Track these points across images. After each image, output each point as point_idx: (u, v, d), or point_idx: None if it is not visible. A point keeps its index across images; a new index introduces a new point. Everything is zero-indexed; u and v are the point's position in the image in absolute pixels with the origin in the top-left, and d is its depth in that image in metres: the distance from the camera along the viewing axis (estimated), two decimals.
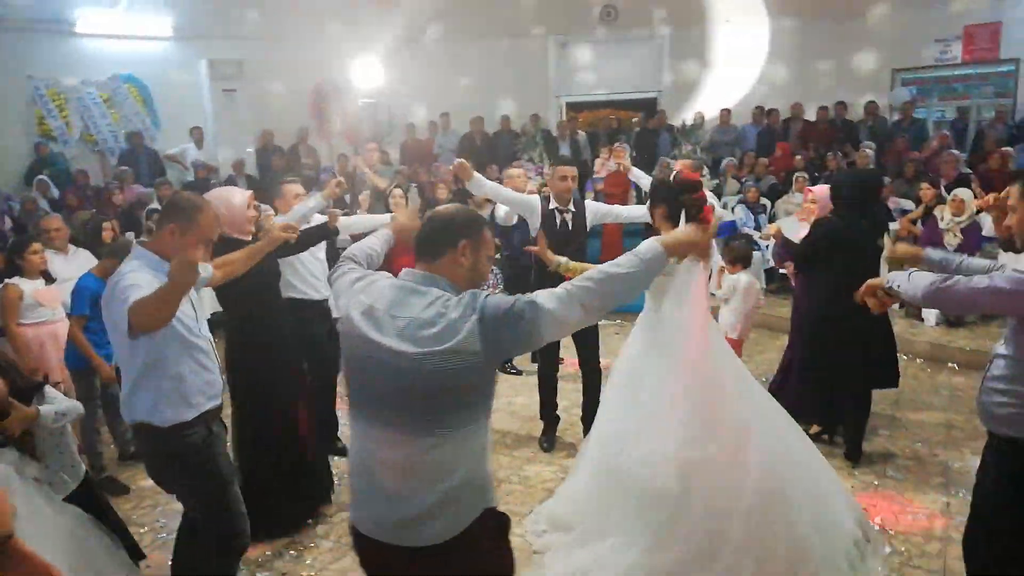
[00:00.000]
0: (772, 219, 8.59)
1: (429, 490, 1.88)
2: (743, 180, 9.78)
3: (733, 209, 9.08)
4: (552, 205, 4.70)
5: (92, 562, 2.90)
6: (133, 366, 2.70)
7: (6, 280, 4.64)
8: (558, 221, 4.65)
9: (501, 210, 5.89)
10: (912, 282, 2.54)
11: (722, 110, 11.32)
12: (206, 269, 3.12)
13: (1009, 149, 8.96)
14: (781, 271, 7.34)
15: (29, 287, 4.56)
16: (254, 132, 11.60)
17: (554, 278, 2.00)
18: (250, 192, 3.83)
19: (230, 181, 10.06)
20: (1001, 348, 2.54)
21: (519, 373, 6.30)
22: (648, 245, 1.96)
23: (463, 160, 4.62)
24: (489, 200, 5.81)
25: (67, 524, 2.89)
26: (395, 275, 2.11)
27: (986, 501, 2.65)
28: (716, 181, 9.81)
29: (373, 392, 1.92)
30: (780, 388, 4.64)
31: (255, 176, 10.68)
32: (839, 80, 11.05)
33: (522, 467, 4.58)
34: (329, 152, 11.67)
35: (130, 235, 7.25)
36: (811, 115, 11.03)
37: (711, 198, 4.27)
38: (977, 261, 2.93)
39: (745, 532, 3.07)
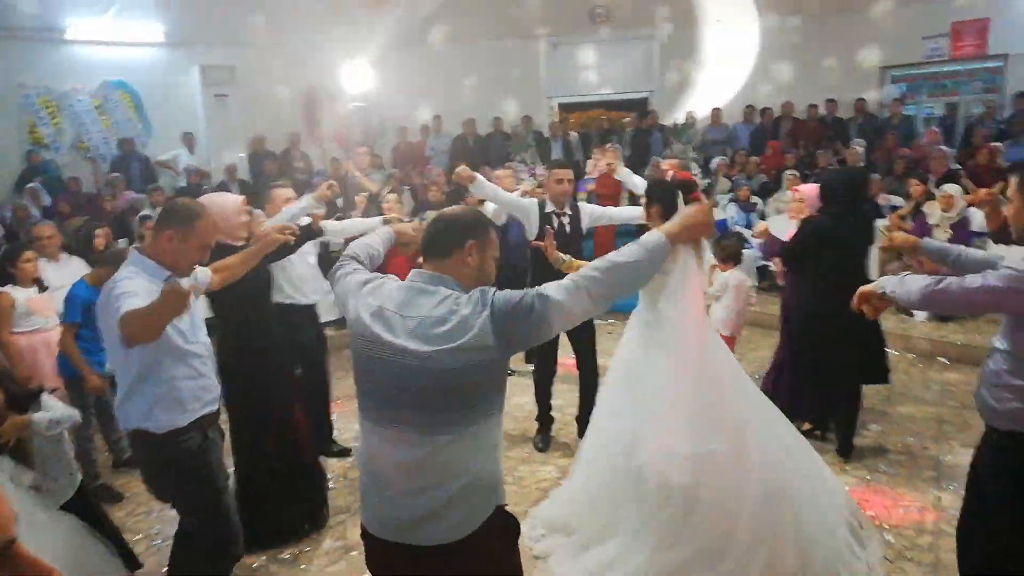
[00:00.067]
0: (763, 217, 8.63)
1: (442, 488, 1.89)
2: (734, 179, 9.83)
3: (725, 208, 9.13)
4: (549, 208, 4.71)
5: (88, 570, 2.91)
6: (128, 372, 2.70)
7: None
8: (555, 224, 4.65)
9: (490, 207, 5.91)
10: (906, 286, 2.51)
11: (713, 109, 11.37)
12: (205, 274, 3.13)
13: (998, 145, 9.01)
14: (771, 267, 7.39)
15: (22, 295, 4.55)
16: (246, 137, 11.60)
17: (553, 278, 2.01)
18: (242, 197, 3.84)
19: (222, 186, 10.05)
20: (998, 342, 2.52)
21: (512, 373, 6.30)
22: (651, 234, 1.99)
23: (465, 167, 4.64)
24: (482, 200, 5.83)
25: (63, 532, 2.90)
26: (385, 272, 2.14)
27: (983, 498, 2.62)
28: (708, 180, 9.84)
29: (385, 392, 1.93)
30: (773, 386, 4.66)
31: (248, 181, 10.67)
32: (829, 78, 11.08)
33: (516, 467, 4.60)
34: (322, 156, 11.67)
35: (122, 242, 7.25)
36: (801, 113, 11.08)
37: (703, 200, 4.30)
38: (975, 252, 2.87)
39: (753, 530, 3.08)
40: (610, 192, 8.56)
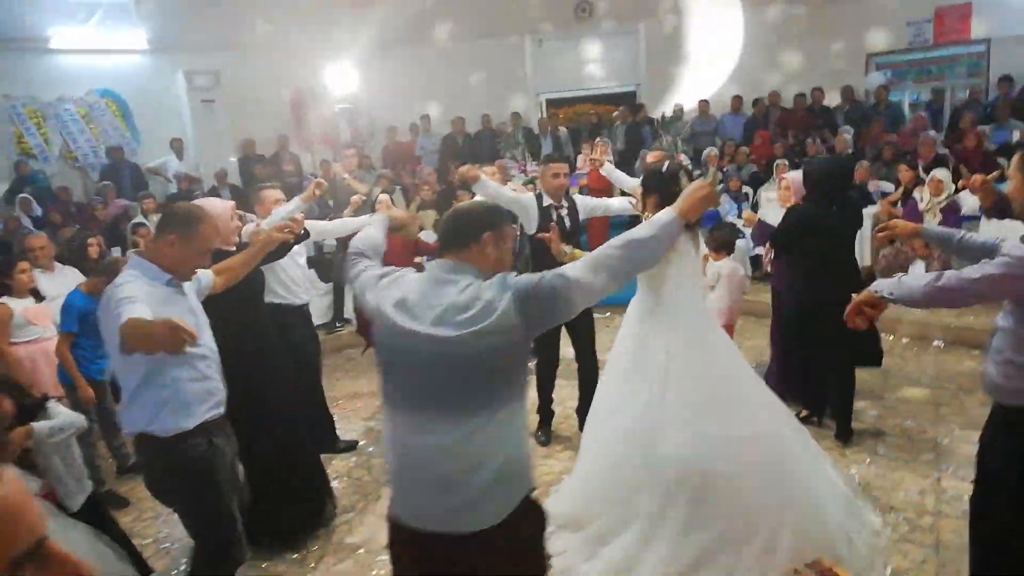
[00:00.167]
0: (755, 207, 8.67)
1: (478, 473, 1.91)
2: (724, 170, 9.86)
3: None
4: (547, 202, 4.76)
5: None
6: (132, 376, 2.66)
7: None
8: (555, 217, 4.68)
9: None
10: (905, 287, 2.53)
11: (700, 101, 11.40)
12: (208, 276, 3.13)
13: (984, 128, 9.08)
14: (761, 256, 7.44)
15: (19, 306, 4.55)
16: (235, 141, 11.58)
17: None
18: (232, 203, 3.85)
19: (213, 191, 10.04)
20: (1001, 321, 2.53)
21: None
22: (663, 213, 2.06)
23: (469, 166, 4.67)
24: (473, 195, 5.86)
25: (75, 539, 2.89)
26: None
27: (994, 479, 2.60)
28: (698, 171, 9.86)
29: (413, 381, 1.97)
30: (766, 374, 4.70)
31: (238, 185, 10.64)
32: (814, 66, 11.13)
33: None
34: (312, 158, 11.65)
35: (115, 251, 7.23)
36: (788, 102, 11.14)
37: None
38: (976, 237, 2.88)
39: (777, 512, 3.11)
40: (601, 186, 8.58)
